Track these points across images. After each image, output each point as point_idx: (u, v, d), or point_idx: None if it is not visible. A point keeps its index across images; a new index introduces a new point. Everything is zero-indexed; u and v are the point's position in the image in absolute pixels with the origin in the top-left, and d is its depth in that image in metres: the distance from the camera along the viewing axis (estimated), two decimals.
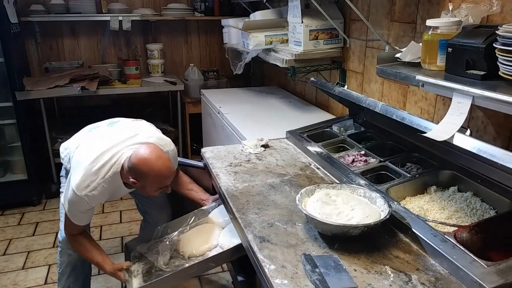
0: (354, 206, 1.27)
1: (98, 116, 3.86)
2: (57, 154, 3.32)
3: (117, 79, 3.53)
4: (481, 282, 0.96)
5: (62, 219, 1.88)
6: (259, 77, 3.93)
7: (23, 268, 2.51)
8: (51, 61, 3.65)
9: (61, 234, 1.88)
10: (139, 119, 1.91)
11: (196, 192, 1.90)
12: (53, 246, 2.71)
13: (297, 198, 1.29)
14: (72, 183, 1.59)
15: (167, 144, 1.75)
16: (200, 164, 1.96)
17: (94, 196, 1.58)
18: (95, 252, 1.74)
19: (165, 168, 1.59)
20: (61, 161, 1.88)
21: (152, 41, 3.80)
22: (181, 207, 1.99)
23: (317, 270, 1.05)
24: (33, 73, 3.56)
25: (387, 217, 1.18)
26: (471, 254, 1.04)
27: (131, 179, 1.58)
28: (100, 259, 1.72)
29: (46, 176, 3.37)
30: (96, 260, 1.73)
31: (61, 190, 1.89)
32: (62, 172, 1.93)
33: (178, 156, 1.91)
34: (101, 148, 1.62)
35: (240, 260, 1.68)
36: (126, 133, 1.72)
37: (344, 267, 1.08)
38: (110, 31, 3.61)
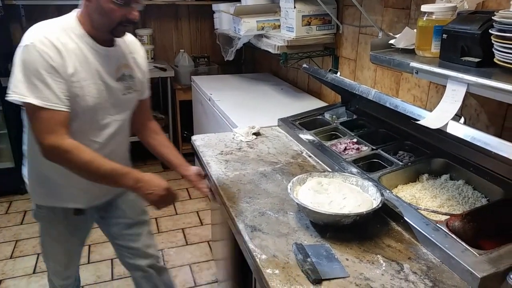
0: (346, 194, 1.25)
1: None
2: None
3: None
4: (472, 271, 0.96)
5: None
6: (251, 63, 3.88)
7: (11, 257, 2.48)
8: None
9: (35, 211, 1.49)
10: None
11: (176, 156, 1.56)
12: None
13: (288, 187, 1.27)
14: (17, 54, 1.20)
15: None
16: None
17: (48, 45, 1.19)
18: (105, 160, 1.25)
19: None
20: None
21: (141, 26, 3.71)
22: None
23: (308, 259, 1.04)
24: None
25: (380, 205, 1.17)
26: (463, 243, 1.03)
27: None
28: (122, 168, 1.27)
29: None
30: (117, 169, 1.26)
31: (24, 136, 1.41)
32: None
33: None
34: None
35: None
36: None
37: (336, 257, 1.07)
38: None
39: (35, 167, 1.43)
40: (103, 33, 1.29)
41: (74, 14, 1.29)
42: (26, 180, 1.48)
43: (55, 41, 1.21)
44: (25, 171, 1.48)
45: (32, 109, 1.19)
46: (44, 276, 2.32)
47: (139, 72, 1.46)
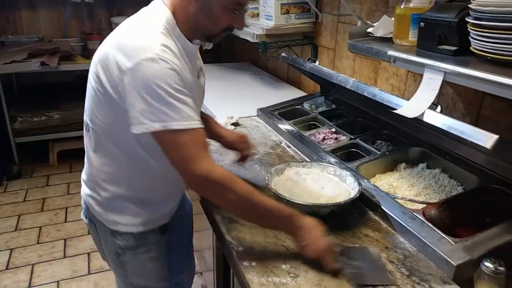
0: (324, 184, 1.25)
1: (61, 93, 3.68)
2: (17, 133, 3.17)
3: (80, 54, 3.36)
4: (448, 259, 0.96)
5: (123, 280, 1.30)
6: (230, 52, 3.83)
7: None
8: (8, 34, 3.42)
9: None
10: None
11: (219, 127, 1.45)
12: (15, 230, 2.60)
13: (266, 177, 1.25)
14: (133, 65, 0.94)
15: None
16: None
17: (170, 53, 0.97)
18: (260, 194, 1.03)
19: None
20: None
21: (117, 14, 3.61)
22: None
23: None
24: None
25: (357, 195, 1.17)
26: (439, 231, 1.04)
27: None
28: (279, 209, 1.04)
29: (6, 156, 3.21)
30: (273, 209, 1.03)
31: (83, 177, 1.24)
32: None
33: None
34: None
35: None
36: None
37: None
38: (72, 3, 3.41)
39: (131, 192, 1.17)
40: (198, 35, 1.10)
41: (165, 8, 1.06)
42: (108, 211, 1.19)
43: (172, 47, 0.99)
44: (107, 201, 1.18)
45: (173, 135, 0.96)
46: (17, 271, 2.25)
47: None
